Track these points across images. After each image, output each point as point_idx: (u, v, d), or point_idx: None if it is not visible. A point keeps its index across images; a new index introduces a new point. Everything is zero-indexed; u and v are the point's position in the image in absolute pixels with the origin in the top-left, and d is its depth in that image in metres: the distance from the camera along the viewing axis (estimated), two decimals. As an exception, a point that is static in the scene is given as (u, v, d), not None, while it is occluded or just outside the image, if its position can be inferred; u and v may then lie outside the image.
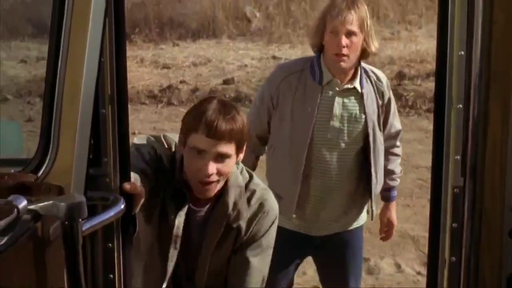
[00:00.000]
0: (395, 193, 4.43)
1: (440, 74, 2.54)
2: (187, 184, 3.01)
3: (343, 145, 3.97)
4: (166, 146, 3.09)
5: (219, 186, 2.96)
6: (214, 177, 2.90)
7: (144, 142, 3.06)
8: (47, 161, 2.27)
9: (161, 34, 16.15)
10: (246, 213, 3.05)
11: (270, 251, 3.19)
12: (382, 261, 6.67)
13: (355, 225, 4.24)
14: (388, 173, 4.29)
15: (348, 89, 3.95)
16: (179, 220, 3.00)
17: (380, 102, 4.04)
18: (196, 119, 2.87)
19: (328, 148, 3.96)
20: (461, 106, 2.50)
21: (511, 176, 2.42)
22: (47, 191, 2.23)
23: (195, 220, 3.07)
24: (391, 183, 4.35)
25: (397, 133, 4.27)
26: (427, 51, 13.36)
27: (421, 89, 12.21)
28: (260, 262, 3.13)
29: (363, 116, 3.96)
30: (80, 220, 2.08)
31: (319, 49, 4.00)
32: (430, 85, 11.79)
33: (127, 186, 2.57)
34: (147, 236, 3.07)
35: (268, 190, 3.18)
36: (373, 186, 4.07)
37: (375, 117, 4.01)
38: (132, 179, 2.71)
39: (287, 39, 15.45)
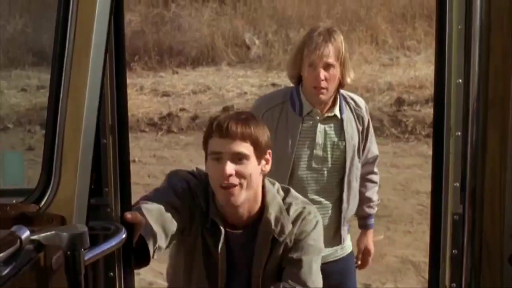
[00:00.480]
0: (372, 220, 4.41)
1: (438, 102, 2.56)
2: (221, 214, 2.99)
3: (326, 173, 3.99)
4: (200, 179, 3.07)
5: (244, 194, 2.90)
6: (234, 179, 2.86)
7: (177, 176, 3.05)
8: (49, 192, 2.28)
9: (161, 61, 16.20)
10: (289, 225, 3.00)
11: (319, 253, 3.09)
12: (384, 286, 6.66)
13: (344, 253, 4.20)
14: (366, 201, 4.29)
15: (329, 117, 3.97)
16: (221, 254, 2.97)
17: (360, 128, 4.06)
18: (210, 126, 2.91)
19: (313, 177, 3.98)
20: (459, 133, 2.51)
21: (511, 202, 2.44)
22: (49, 221, 2.24)
23: (238, 245, 3.03)
24: (368, 210, 4.34)
25: (374, 158, 4.28)
26: (426, 77, 13.40)
27: (420, 114, 12.24)
28: (307, 259, 3.02)
29: (344, 143, 3.98)
30: (82, 249, 2.09)
31: (297, 80, 4.02)
32: (429, 111, 11.81)
33: (128, 215, 2.58)
34: (192, 272, 3.05)
35: (306, 201, 3.15)
36: (343, 211, 4.06)
37: (355, 143, 4.02)
38: (154, 213, 2.74)
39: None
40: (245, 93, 13.85)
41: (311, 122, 3.96)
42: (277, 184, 3.13)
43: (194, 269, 3.05)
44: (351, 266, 4.31)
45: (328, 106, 3.97)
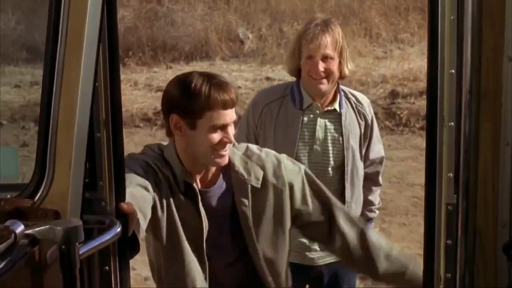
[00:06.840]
0: (372, 225, 4.35)
1: (431, 92, 2.56)
2: (188, 174, 3.04)
3: (328, 168, 3.95)
4: (154, 152, 3.11)
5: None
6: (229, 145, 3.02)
7: (131, 159, 3.05)
8: (43, 186, 2.28)
9: (155, 57, 16.17)
10: (259, 170, 3.09)
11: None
12: (379, 279, 6.65)
13: None
14: (367, 204, 4.23)
15: (329, 111, 3.94)
16: (203, 210, 3.01)
17: (362, 123, 4.01)
18: (207, 98, 2.92)
19: (314, 173, 3.92)
20: (452, 124, 2.51)
21: (504, 192, 2.44)
22: (43, 215, 2.24)
23: (212, 203, 3.08)
24: (369, 214, 4.28)
25: (380, 159, 4.21)
26: (419, 69, 13.40)
27: (414, 107, 12.25)
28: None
29: (343, 138, 3.94)
30: (77, 244, 2.09)
31: (297, 74, 4.00)
32: (423, 103, 11.81)
33: (124, 206, 2.57)
34: (171, 246, 3.05)
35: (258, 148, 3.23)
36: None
37: (355, 139, 3.97)
38: (133, 195, 2.73)
39: (280, 60, 15.43)
40: (239, 87, 13.84)
41: (312, 116, 3.93)
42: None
43: (172, 245, 3.05)
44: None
45: (328, 100, 3.95)
